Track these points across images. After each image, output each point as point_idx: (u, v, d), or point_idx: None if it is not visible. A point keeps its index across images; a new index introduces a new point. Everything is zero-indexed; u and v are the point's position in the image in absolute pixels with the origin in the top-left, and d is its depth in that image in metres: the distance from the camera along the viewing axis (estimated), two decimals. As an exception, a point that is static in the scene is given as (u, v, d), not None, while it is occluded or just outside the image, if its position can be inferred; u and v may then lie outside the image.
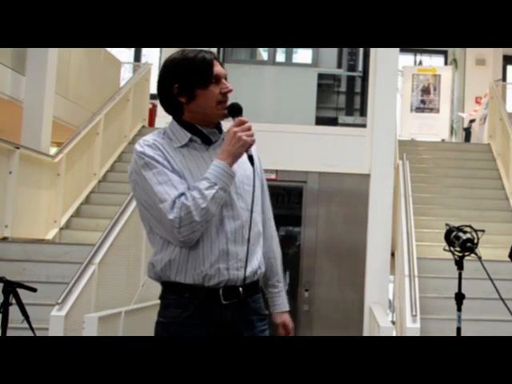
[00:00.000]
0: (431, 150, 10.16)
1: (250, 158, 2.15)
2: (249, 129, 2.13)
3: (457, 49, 13.99)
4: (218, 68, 2.18)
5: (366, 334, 6.50)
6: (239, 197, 2.19)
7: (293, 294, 7.25)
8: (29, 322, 4.02)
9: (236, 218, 2.17)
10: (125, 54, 13.67)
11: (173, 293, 2.17)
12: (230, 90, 2.18)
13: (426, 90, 12.75)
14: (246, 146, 2.12)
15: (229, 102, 2.20)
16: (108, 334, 4.76)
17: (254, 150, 2.25)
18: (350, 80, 7.47)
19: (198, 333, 2.12)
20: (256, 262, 2.23)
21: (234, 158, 2.12)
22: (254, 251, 2.22)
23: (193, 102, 2.18)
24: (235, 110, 2.17)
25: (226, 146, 2.13)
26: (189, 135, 2.20)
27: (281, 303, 2.44)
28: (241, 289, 2.17)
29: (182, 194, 2.07)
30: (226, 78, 2.21)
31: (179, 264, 2.14)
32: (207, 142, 2.21)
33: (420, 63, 14.14)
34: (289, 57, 7.89)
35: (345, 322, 6.91)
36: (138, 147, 2.15)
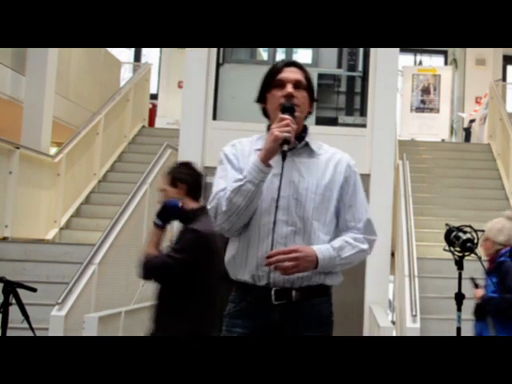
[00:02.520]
0: (431, 150, 10.16)
1: (283, 154, 2.16)
2: (286, 125, 2.15)
3: (457, 49, 13.98)
4: (284, 74, 2.29)
5: (366, 333, 6.49)
6: (298, 203, 2.21)
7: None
8: (29, 322, 4.02)
9: (290, 223, 2.19)
10: (125, 54, 13.67)
11: (236, 289, 2.28)
12: (288, 93, 2.24)
13: (426, 90, 12.75)
14: (277, 141, 2.13)
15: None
16: (108, 334, 4.76)
17: (344, 156, 2.33)
18: (350, 80, 7.45)
19: (244, 329, 2.20)
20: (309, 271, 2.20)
21: (267, 152, 2.15)
22: None
23: (266, 106, 2.33)
24: (284, 109, 2.23)
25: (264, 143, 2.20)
26: None
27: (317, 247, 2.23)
28: (294, 292, 2.19)
29: (226, 188, 2.18)
30: (299, 86, 2.28)
31: (236, 261, 2.24)
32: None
33: (420, 63, 14.13)
34: (289, 57, 7.87)
35: (345, 322, 6.91)
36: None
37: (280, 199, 2.16)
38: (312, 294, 2.23)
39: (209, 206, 2.21)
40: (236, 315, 2.24)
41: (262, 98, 2.35)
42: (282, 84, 2.27)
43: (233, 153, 2.29)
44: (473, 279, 4.19)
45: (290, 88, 2.25)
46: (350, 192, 2.32)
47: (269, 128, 2.26)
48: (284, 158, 2.15)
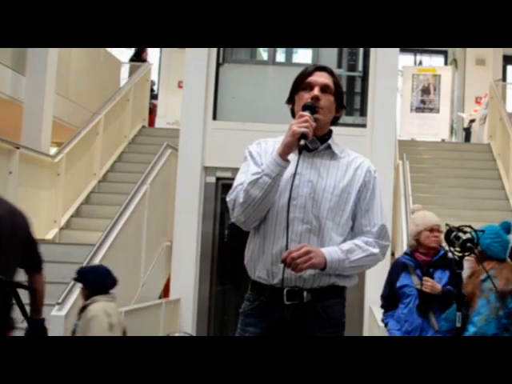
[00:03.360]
0: (431, 150, 10.16)
1: (300, 148, 2.21)
2: (304, 121, 2.21)
3: (457, 49, 13.98)
4: (313, 77, 2.37)
5: (366, 334, 6.49)
6: (315, 203, 2.26)
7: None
8: (29, 322, 4.01)
9: (305, 221, 2.25)
10: (125, 54, 13.66)
11: (251, 288, 2.35)
12: (314, 96, 2.32)
13: (426, 90, 12.73)
14: (295, 135, 2.19)
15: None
16: (108, 334, 4.76)
17: (366, 161, 2.37)
18: (350, 80, 7.46)
19: (257, 328, 2.27)
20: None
21: (284, 147, 2.21)
22: None
23: (294, 107, 2.40)
24: (305, 107, 2.30)
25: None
26: None
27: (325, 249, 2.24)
28: (305, 292, 2.24)
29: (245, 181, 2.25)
30: (326, 90, 2.35)
31: (253, 257, 2.31)
32: (305, 148, 2.27)
33: (420, 63, 14.13)
34: (289, 57, 7.88)
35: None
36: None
37: (298, 198, 2.23)
38: (324, 294, 2.27)
39: (228, 199, 2.29)
40: (250, 314, 2.31)
41: (291, 100, 2.42)
42: (310, 86, 2.35)
43: (256, 150, 2.38)
44: (430, 271, 4.09)
45: (316, 91, 2.33)
46: (367, 197, 2.36)
47: None
48: (300, 153, 2.21)
